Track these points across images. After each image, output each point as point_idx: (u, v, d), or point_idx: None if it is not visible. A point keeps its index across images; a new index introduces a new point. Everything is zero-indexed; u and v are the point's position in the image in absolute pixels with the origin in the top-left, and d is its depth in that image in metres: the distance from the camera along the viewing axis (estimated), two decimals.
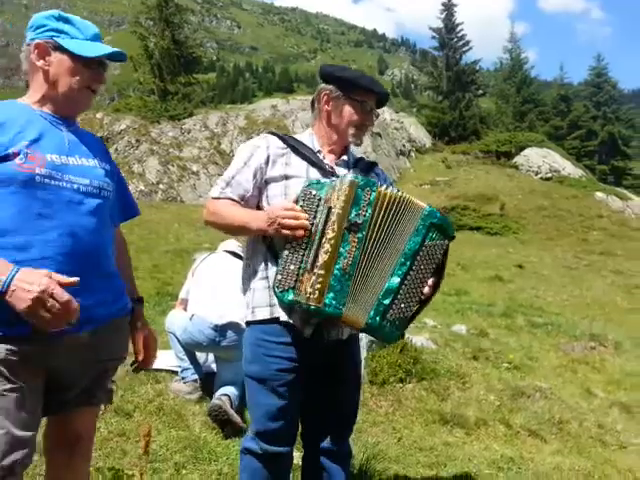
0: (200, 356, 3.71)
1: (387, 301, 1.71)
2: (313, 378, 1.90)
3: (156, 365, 3.79)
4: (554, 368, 5.17)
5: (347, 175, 1.75)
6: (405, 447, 3.19)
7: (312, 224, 1.71)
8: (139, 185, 20.15)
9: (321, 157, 1.92)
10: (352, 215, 1.69)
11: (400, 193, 1.74)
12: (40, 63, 1.53)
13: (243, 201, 1.87)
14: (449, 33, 37.78)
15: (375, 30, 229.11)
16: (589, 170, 32.45)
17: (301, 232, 1.70)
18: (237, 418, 3.04)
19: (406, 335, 4.87)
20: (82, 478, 1.72)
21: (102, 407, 1.79)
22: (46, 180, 1.46)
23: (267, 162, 1.88)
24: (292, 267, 1.71)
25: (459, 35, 37.92)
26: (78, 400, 1.61)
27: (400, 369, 4.07)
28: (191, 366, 3.53)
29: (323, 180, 1.78)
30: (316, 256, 1.68)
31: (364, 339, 4.26)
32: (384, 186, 1.74)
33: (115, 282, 1.65)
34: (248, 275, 1.92)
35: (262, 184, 1.88)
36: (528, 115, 39.36)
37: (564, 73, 48.32)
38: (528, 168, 26.68)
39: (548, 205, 21.35)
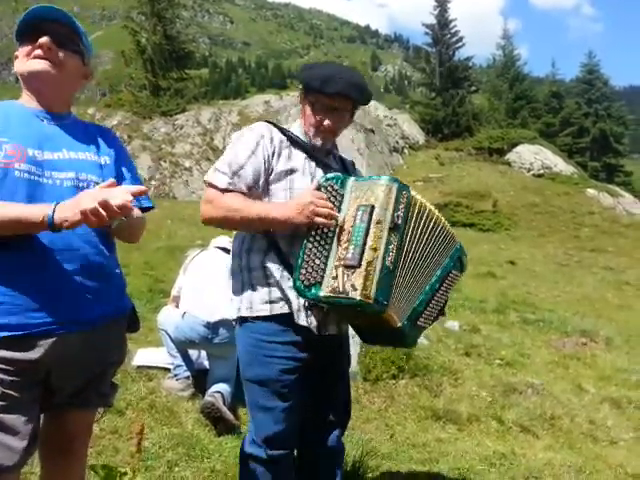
0: (192, 353, 3.69)
1: (421, 309, 1.82)
2: (310, 376, 1.88)
3: (148, 362, 3.79)
4: (546, 364, 5.20)
5: (383, 177, 1.78)
6: (398, 443, 3.20)
7: (337, 217, 1.72)
8: None
9: (316, 149, 1.92)
10: (394, 216, 1.72)
11: (433, 211, 1.85)
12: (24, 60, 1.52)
13: (251, 192, 1.79)
14: (442, 29, 37.75)
15: (368, 26, 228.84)
16: (581, 167, 32.59)
17: (333, 222, 1.70)
18: (230, 415, 3.03)
19: None
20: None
21: (100, 410, 1.75)
22: (25, 175, 1.42)
23: (274, 154, 1.83)
24: (317, 261, 1.69)
25: (452, 31, 37.90)
26: (71, 402, 1.58)
27: (393, 365, 4.08)
28: (183, 363, 3.51)
29: (340, 175, 1.80)
30: (362, 253, 1.66)
31: (357, 336, 4.26)
32: (413, 191, 1.81)
33: (114, 281, 1.61)
34: (240, 271, 1.86)
35: (267, 177, 1.83)
36: (520, 112, 39.46)
37: (556, 70, 48.44)
38: (520, 165, 26.78)
39: (540, 202, 21.45)
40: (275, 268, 1.80)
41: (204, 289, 3.45)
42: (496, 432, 3.52)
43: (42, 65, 1.49)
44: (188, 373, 3.50)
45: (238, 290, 1.87)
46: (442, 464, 2.97)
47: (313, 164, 1.88)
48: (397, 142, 28.49)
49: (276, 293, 1.80)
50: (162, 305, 4.42)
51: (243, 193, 1.77)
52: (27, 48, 1.51)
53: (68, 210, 1.32)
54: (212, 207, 1.77)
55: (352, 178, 1.81)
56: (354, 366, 3.98)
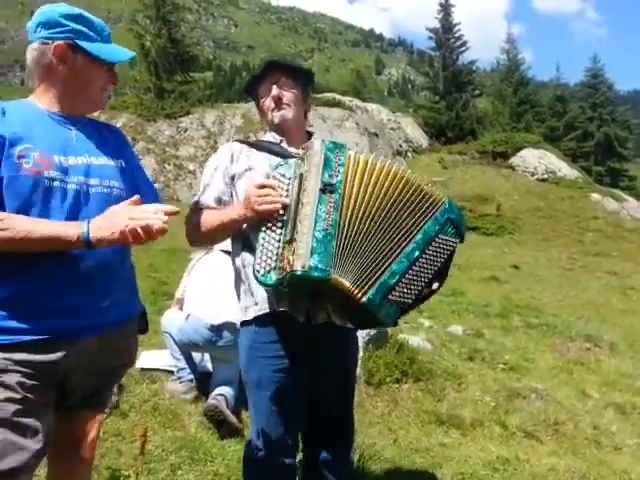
0: (196, 356, 3.69)
1: (392, 281, 1.65)
2: (312, 377, 1.86)
3: (152, 365, 3.79)
4: (550, 369, 5.18)
5: (314, 142, 1.75)
6: (401, 448, 3.19)
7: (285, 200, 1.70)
8: None
9: (284, 146, 1.94)
10: (325, 177, 1.66)
11: (391, 167, 1.73)
12: (61, 66, 1.51)
13: (220, 205, 1.87)
14: (446, 33, 37.78)
15: (372, 30, 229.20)
16: (585, 171, 32.48)
17: (278, 206, 1.67)
18: (233, 418, 3.03)
19: (403, 335, 4.87)
20: None
21: (107, 411, 1.78)
22: (55, 183, 1.43)
23: (231, 160, 1.93)
24: (270, 247, 1.67)
25: (456, 35, 37.92)
26: (82, 404, 1.59)
27: (396, 370, 4.07)
28: (187, 366, 3.52)
29: (290, 161, 1.77)
30: (295, 224, 1.64)
31: (360, 339, 4.25)
32: (354, 151, 1.74)
33: (129, 285, 1.64)
34: (236, 276, 1.93)
35: (230, 183, 1.91)
36: (524, 116, 39.39)
37: (560, 74, 48.16)
38: (524, 169, 26.72)
39: (544, 206, 21.39)
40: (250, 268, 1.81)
41: (208, 292, 3.45)
42: (500, 437, 3.50)
43: (104, 97, 1.62)
44: (192, 376, 3.50)
45: (237, 294, 1.95)
46: (445, 469, 2.95)
47: (276, 160, 1.85)
48: (400, 145, 28.48)
49: (251, 295, 1.83)
50: (165, 307, 4.43)
51: (211, 208, 1.86)
52: (100, 70, 1.59)
53: (105, 230, 1.35)
54: (189, 230, 1.91)
55: (295, 158, 1.78)
56: (357, 370, 3.97)
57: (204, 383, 3.48)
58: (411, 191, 1.73)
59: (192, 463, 2.69)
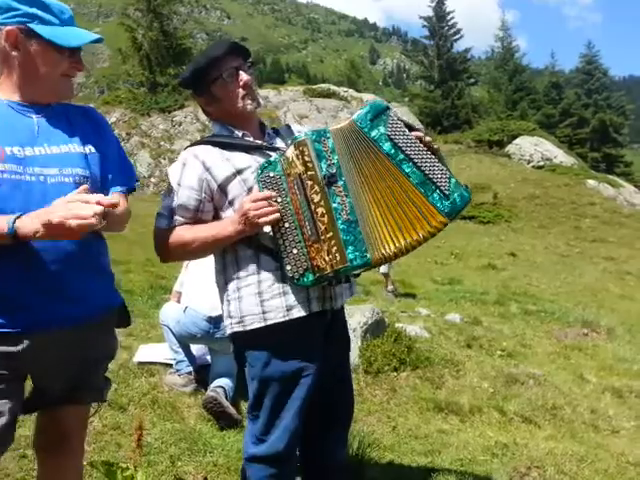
0: (194, 348, 3.70)
1: (433, 188, 1.64)
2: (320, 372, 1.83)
3: (150, 358, 3.80)
4: (547, 355, 5.20)
5: (295, 138, 1.69)
6: (400, 435, 3.20)
7: (287, 202, 1.66)
8: None
9: (250, 139, 1.83)
10: (324, 170, 1.64)
11: (348, 122, 1.69)
12: (15, 52, 1.42)
13: (196, 222, 1.75)
14: (440, 21, 37.64)
15: (366, 19, 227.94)
16: (581, 158, 32.49)
17: (278, 215, 1.64)
18: (232, 410, 3.04)
19: (401, 324, 4.89)
20: (72, 476, 1.70)
21: (95, 405, 1.74)
22: (5, 175, 1.37)
23: (206, 169, 1.74)
24: (295, 251, 1.66)
25: (450, 23, 37.81)
26: (63, 397, 1.56)
27: (394, 358, 4.08)
28: (185, 359, 3.52)
29: (272, 159, 1.71)
30: (315, 226, 1.63)
31: (358, 329, 4.26)
32: (332, 127, 1.69)
33: (101, 277, 1.58)
34: (226, 285, 1.80)
35: (213, 194, 1.75)
36: (520, 103, 39.34)
37: (555, 60, 48.14)
38: (520, 157, 26.71)
39: (540, 193, 21.40)
40: (266, 276, 1.74)
41: (206, 284, 3.44)
42: (498, 423, 3.52)
43: (71, 85, 1.52)
44: (190, 368, 3.51)
45: (226, 304, 1.85)
46: (444, 455, 2.97)
47: (256, 155, 1.79)
48: None
49: (267, 304, 1.76)
50: (163, 301, 4.44)
51: (188, 223, 1.75)
52: (58, 56, 1.47)
53: (30, 224, 1.28)
54: (162, 249, 1.77)
55: (277, 155, 1.72)
56: (355, 359, 3.98)
57: (202, 375, 3.48)
58: (358, 135, 1.70)
59: (191, 454, 2.70)
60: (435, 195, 1.64)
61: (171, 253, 1.77)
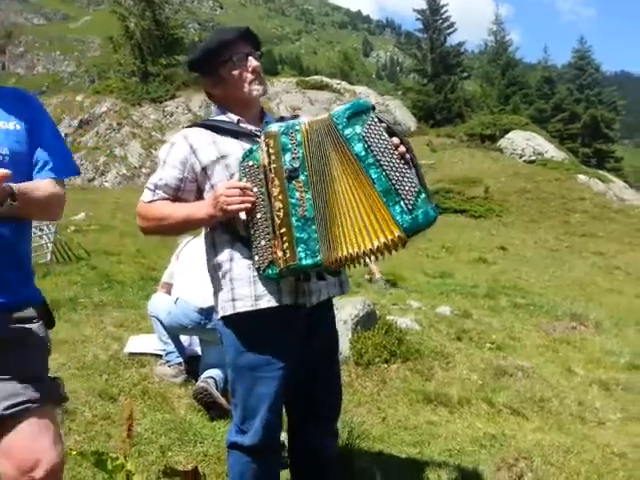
0: (184, 339, 3.70)
1: (397, 200, 1.55)
2: (303, 362, 1.84)
3: (140, 349, 3.79)
4: (536, 347, 5.25)
5: (267, 128, 1.69)
6: (390, 426, 3.23)
7: (261, 193, 1.65)
8: (121, 169, 19.86)
9: (244, 126, 1.84)
10: (287, 163, 1.62)
11: (319, 117, 1.66)
12: None
13: (177, 199, 1.79)
14: (433, 14, 37.56)
15: (360, 11, 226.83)
16: (572, 153, 32.67)
17: (248, 206, 1.63)
18: (222, 400, 3.04)
19: (391, 317, 4.91)
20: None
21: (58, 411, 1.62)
22: None
23: (193, 151, 1.78)
24: (263, 242, 1.65)
25: (443, 17, 37.73)
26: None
27: (385, 350, 4.11)
28: (175, 349, 3.52)
29: (254, 147, 1.71)
30: (273, 219, 1.62)
31: (349, 321, 4.28)
32: (310, 119, 1.67)
33: (17, 269, 1.49)
34: (214, 269, 1.82)
35: (196, 175, 1.78)
36: (512, 98, 39.42)
37: (548, 55, 48.43)
38: (512, 151, 26.82)
39: (531, 188, 21.52)
40: (239, 262, 1.75)
41: (196, 275, 3.44)
42: (486, 414, 3.55)
43: None
44: (180, 359, 3.51)
45: (217, 288, 1.87)
46: (433, 446, 3.00)
47: (244, 142, 1.79)
48: None
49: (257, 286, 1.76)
50: (153, 293, 4.42)
51: (169, 199, 1.79)
52: None
53: None
54: (141, 220, 1.82)
55: (257, 144, 1.71)
56: (346, 351, 4.00)
57: (193, 366, 3.49)
58: (326, 131, 1.66)
59: (182, 444, 2.71)
60: (397, 207, 1.55)
61: (148, 226, 1.82)
